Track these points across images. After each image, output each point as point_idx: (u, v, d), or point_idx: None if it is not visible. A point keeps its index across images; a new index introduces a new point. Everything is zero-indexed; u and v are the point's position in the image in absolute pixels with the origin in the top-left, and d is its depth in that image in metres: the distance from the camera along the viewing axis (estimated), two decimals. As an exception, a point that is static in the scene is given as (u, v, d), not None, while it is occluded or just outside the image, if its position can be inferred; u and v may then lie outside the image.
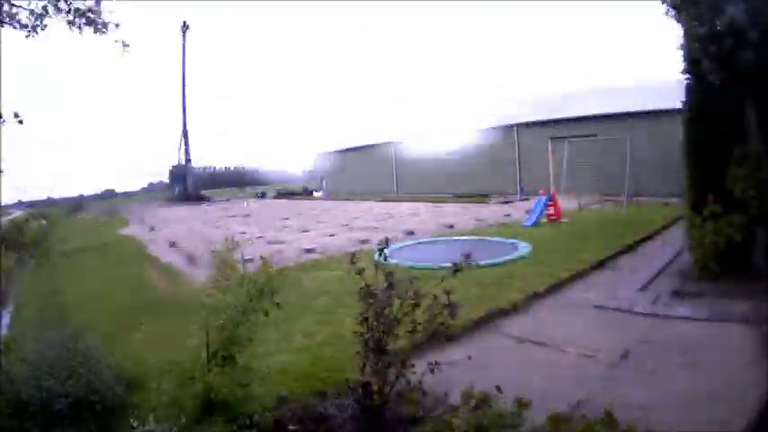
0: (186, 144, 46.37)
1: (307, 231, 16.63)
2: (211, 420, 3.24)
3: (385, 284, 3.44)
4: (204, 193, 47.41)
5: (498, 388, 3.27)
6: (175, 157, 47.16)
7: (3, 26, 4.53)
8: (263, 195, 41.87)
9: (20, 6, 4.53)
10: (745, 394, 3.62)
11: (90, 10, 4.67)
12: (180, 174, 46.82)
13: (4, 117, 4.34)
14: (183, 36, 44.41)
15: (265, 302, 3.55)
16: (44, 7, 4.55)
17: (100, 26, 4.77)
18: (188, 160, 46.83)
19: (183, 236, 17.82)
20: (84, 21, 4.69)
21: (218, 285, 3.66)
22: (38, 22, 4.60)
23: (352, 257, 3.62)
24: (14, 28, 4.57)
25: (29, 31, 4.63)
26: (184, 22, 44.09)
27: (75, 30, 4.68)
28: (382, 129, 37.11)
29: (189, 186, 45.99)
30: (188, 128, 46.15)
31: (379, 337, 3.38)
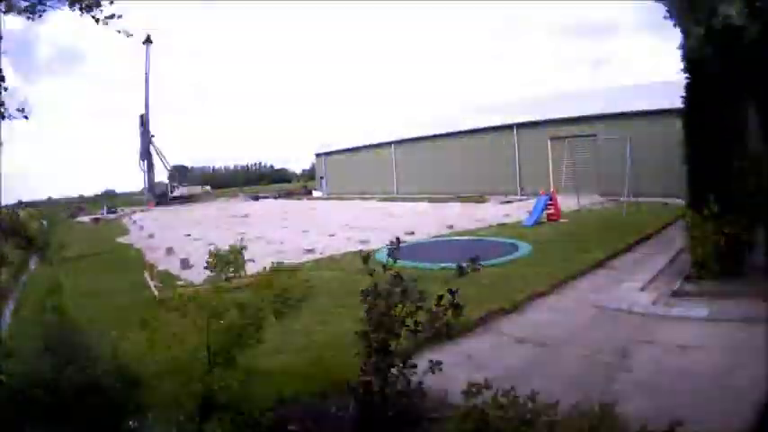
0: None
1: (306, 231, 16.62)
2: (212, 420, 3.24)
3: (391, 285, 3.42)
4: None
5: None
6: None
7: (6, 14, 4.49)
8: (256, 198, 41.73)
9: None
10: (745, 394, 3.62)
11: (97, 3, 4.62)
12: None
13: (9, 112, 4.31)
14: (147, 49, 44.82)
15: (281, 305, 3.54)
16: None
17: (101, 19, 4.69)
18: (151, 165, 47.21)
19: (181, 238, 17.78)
20: (84, 5, 4.62)
21: (222, 287, 3.66)
22: (39, 6, 4.53)
23: (366, 257, 3.59)
24: (14, 14, 4.51)
25: (28, 16, 4.57)
26: (148, 36, 44.11)
27: (77, 12, 4.58)
28: (382, 128, 37.10)
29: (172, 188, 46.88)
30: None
31: (383, 337, 3.37)
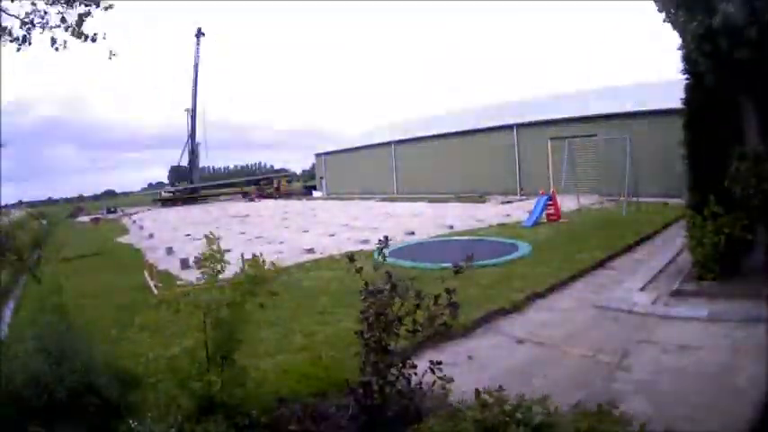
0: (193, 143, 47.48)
1: (306, 231, 16.62)
2: (211, 420, 3.23)
3: (386, 284, 3.43)
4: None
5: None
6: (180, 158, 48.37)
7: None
8: (252, 199, 42.14)
9: (12, 15, 4.56)
10: (745, 394, 3.62)
11: (78, 23, 4.71)
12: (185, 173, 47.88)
13: None
14: (198, 41, 45.65)
15: (258, 294, 3.54)
16: (31, 20, 4.59)
17: (89, 37, 4.83)
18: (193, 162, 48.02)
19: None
20: (70, 33, 4.74)
21: (211, 284, 3.65)
22: (27, 34, 4.65)
23: (351, 256, 3.62)
24: (7, 40, 4.62)
25: (20, 44, 4.68)
26: (199, 29, 45.55)
27: (56, 48, 4.75)
28: (382, 128, 37.12)
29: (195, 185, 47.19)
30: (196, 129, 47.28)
31: (380, 337, 3.37)
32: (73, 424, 3.32)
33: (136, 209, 40.60)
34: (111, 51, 5.13)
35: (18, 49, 4.66)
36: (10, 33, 4.59)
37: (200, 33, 45.14)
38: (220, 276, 3.61)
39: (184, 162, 48.35)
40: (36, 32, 4.68)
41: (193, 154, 47.69)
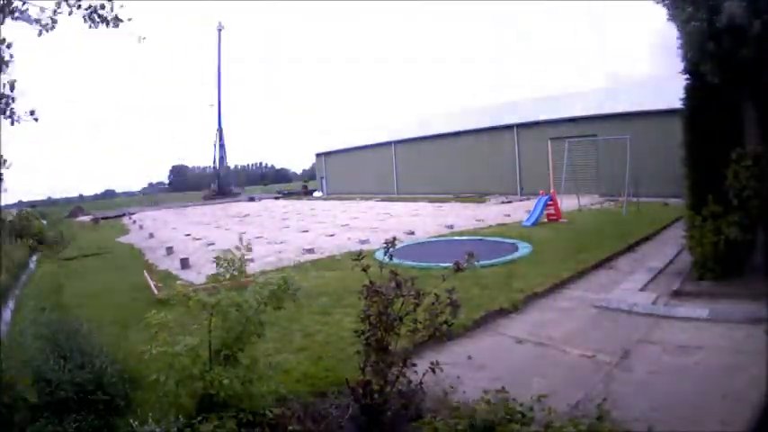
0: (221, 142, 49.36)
1: (306, 231, 16.61)
2: (211, 418, 3.23)
3: (390, 283, 3.43)
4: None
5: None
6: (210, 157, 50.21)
7: (14, 20, 4.47)
8: (252, 199, 42.89)
9: (31, 2, 4.48)
10: (745, 395, 3.62)
11: (102, 6, 4.63)
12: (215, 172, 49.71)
13: (19, 114, 4.33)
14: (219, 36, 49.74)
15: (282, 300, 3.60)
16: (57, 2, 4.49)
17: (111, 21, 4.73)
18: (222, 158, 49.96)
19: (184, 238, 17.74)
20: (97, 16, 4.65)
21: (224, 285, 3.67)
22: (50, 20, 4.55)
23: (359, 255, 3.62)
24: (27, 23, 4.52)
25: (41, 29, 4.58)
26: (220, 23, 50.07)
27: (89, 25, 4.62)
28: (383, 128, 37.11)
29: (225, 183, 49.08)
30: (222, 127, 49.67)
31: (381, 336, 3.37)
32: (76, 421, 3.33)
33: (135, 208, 40.59)
34: (139, 36, 5.04)
35: (39, 35, 4.56)
36: (29, 17, 4.49)
37: (220, 27, 48.59)
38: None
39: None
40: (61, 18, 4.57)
41: (223, 149, 49.98)
